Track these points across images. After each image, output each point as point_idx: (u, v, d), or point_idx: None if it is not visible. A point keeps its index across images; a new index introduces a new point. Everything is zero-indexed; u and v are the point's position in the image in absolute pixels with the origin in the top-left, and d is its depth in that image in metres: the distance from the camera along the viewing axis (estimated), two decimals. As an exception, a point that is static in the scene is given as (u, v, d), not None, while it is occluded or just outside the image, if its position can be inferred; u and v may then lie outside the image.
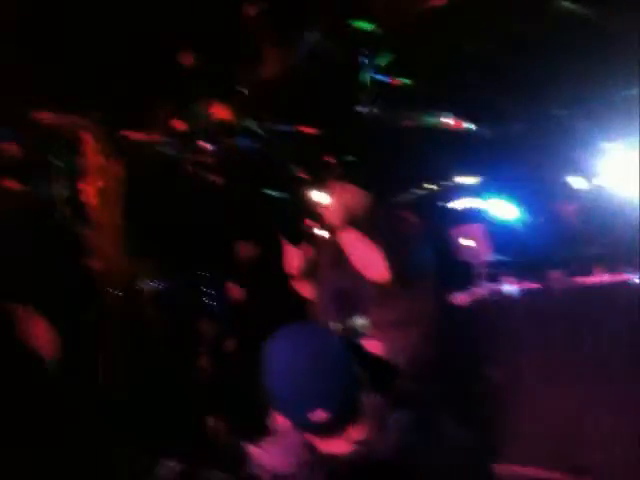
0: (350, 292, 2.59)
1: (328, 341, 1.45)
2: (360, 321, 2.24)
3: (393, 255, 2.46)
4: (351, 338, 1.94)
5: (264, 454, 1.73)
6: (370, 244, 2.49)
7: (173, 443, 3.26)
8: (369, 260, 2.48)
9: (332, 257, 2.72)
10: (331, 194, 2.61)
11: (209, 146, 4.11)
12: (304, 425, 1.40)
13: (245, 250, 4.33)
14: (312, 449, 1.45)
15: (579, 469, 3.38)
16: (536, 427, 3.62)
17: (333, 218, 2.60)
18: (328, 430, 1.39)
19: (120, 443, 3.04)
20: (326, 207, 2.60)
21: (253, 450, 1.83)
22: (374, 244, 2.48)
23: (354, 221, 2.60)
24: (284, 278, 3.58)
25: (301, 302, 3.17)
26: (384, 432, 1.39)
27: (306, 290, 2.94)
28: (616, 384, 3.40)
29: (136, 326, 4.07)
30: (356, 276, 2.55)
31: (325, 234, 2.68)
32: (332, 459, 1.41)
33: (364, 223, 2.60)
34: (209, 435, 3.77)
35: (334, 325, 2.33)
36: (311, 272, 2.85)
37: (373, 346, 2.12)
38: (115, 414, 3.40)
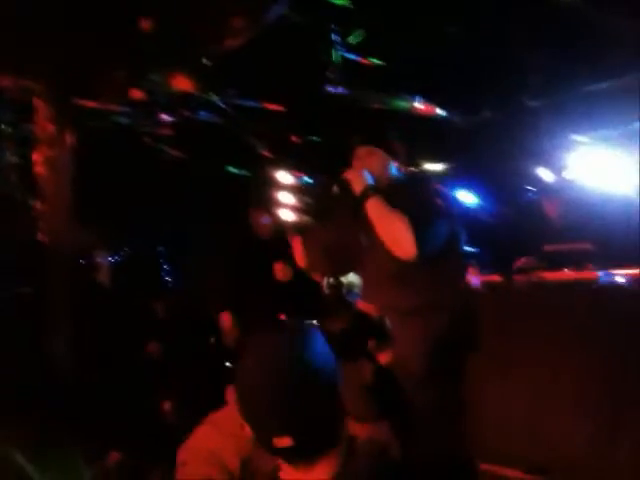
0: (344, 249, 2.48)
1: (304, 355, 1.21)
2: (352, 278, 2.12)
3: (420, 227, 2.20)
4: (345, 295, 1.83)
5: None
6: (398, 213, 2.23)
7: (122, 432, 3.14)
8: (396, 232, 2.21)
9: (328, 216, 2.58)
10: (357, 159, 2.39)
11: (168, 118, 3.93)
12: (270, 449, 1.21)
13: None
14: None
15: (536, 468, 3.35)
16: (493, 425, 3.58)
17: (357, 183, 2.32)
18: (295, 458, 1.22)
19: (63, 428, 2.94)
20: (351, 172, 2.35)
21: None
22: (401, 214, 2.21)
23: (380, 186, 2.35)
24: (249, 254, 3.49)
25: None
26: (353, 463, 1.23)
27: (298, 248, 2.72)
28: (573, 383, 3.34)
29: (86, 299, 3.96)
30: (351, 233, 2.43)
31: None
32: None
33: (390, 189, 2.35)
34: (160, 425, 3.62)
35: (327, 281, 2.21)
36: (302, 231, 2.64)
37: (363, 305, 2.01)
38: (62, 395, 3.29)
